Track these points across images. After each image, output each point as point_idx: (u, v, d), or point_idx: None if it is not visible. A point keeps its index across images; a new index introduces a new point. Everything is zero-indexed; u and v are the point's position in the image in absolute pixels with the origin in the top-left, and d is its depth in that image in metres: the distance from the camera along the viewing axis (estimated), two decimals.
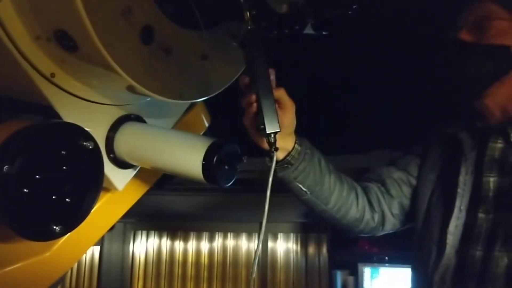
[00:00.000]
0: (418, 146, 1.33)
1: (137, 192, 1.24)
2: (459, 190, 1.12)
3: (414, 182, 1.27)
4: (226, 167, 1.03)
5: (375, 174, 1.32)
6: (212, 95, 1.16)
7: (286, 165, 1.13)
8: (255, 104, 0.99)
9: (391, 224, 1.29)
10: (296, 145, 1.13)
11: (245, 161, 1.05)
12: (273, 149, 0.99)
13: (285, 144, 1.12)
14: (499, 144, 1.11)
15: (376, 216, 1.27)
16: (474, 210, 1.09)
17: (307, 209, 1.24)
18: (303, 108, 1.20)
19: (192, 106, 1.29)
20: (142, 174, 1.19)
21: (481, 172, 1.11)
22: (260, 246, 0.99)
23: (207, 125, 1.35)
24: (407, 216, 1.28)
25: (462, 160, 1.14)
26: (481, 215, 1.07)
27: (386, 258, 3.52)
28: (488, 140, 1.12)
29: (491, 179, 1.09)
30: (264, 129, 0.98)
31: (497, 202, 1.07)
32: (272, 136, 0.99)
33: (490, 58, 1.07)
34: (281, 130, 0.98)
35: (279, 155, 1.11)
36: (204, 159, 1.01)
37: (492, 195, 1.08)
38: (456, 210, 1.10)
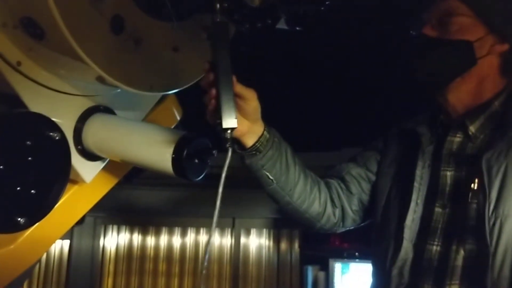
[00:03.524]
0: (378, 141, 1.34)
1: (106, 185, 1.22)
2: (415, 183, 1.13)
3: (373, 178, 1.29)
4: (196, 161, 1.03)
5: (336, 170, 1.34)
6: (183, 87, 1.15)
7: (254, 152, 1.13)
8: (213, 101, 0.98)
9: (351, 219, 1.30)
10: (265, 132, 1.13)
11: (215, 156, 1.04)
12: (228, 145, 0.98)
13: (254, 130, 1.11)
14: (458, 138, 1.13)
15: (337, 212, 1.28)
16: (431, 203, 1.11)
17: (273, 202, 1.24)
18: (276, 105, 1.20)
19: (163, 98, 1.27)
20: (111, 167, 1.17)
21: (438, 166, 1.13)
22: (211, 240, 0.99)
23: (178, 118, 1.34)
24: (367, 212, 1.30)
25: (419, 154, 1.16)
26: (437, 209, 1.09)
27: (356, 253, 3.56)
28: (447, 134, 1.14)
29: (448, 173, 1.11)
30: (220, 124, 0.96)
31: (453, 195, 1.09)
32: (229, 132, 0.97)
33: (452, 53, 1.09)
34: (237, 127, 0.97)
35: (249, 141, 1.11)
36: (173, 153, 1.00)
37: (449, 189, 1.10)
38: (412, 204, 1.12)
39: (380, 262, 1.17)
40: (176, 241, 4.50)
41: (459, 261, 1.02)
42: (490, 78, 1.11)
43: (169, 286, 4.43)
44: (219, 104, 0.96)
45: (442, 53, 1.09)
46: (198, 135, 1.03)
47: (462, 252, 1.02)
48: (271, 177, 1.16)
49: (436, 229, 1.08)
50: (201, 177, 1.05)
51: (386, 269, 1.12)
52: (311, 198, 1.24)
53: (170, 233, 4.52)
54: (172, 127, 1.32)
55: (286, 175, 1.18)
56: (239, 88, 1.01)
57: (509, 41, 1.08)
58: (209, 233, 0.92)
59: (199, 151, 1.02)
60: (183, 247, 4.49)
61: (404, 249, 1.10)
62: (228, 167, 0.97)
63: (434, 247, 1.07)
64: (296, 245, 4.34)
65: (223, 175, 0.97)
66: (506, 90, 1.12)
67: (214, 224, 0.97)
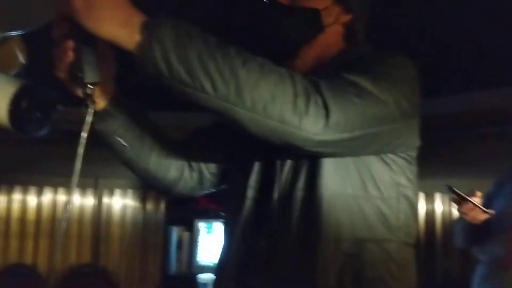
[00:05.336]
0: None
1: None
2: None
3: (229, 140, 1.28)
4: (38, 114, 0.93)
5: (194, 133, 1.31)
6: (30, 29, 1.03)
7: (105, 117, 1.05)
8: (71, 53, 0.89)
9: (209, 182, 1.28)
10: (117, 95, 1.06)
11: (60, 110, 0.94)
12: (89, 101, 0.91)
13: (106, 92, 1.03)
14: None
15: (195, 175, 1.25)
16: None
17: (128, 169, 1.18)
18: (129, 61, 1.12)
19: (4, 40, 1.11)
20: None
21: None
22: (72, 202, 0.91)
23: (23, 61, 1.18)
24: (225, 174, 1.29)
25: None
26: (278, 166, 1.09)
27: (222, 213, 3.63)
28: None
29: None
30: (82, 78, 0.88)
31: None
32: (91, 87, 0.90)
33: (302, 21, 1.12)
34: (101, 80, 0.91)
35: (99, 104, 1.02)
36: (11, 104, 0.89)
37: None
38: (256, 163, 1.12)
39: (229, 223, 1.17)
40: (32, 200, 4.24)
41: (296, 212, 1.03)
42: (333, 46, 1.15)
43: (23, 248, 4.19)
44: (80, 56, 0.88)
45: (293, 21, 1.12)
46: (41, 85, 0.92)
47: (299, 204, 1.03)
48: (124, 144, 1.09)
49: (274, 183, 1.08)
50: (43, 132, 0.94)
51: (233, 228, 1.12)
52: (168, 163, 1.18)
53: (25, 192, 4.24)
54: (14, 72, 1.16)
55: (141, 140, 1.12)
56: (101, 42, 0.92)
57: (352, 11, 1.14)
58: (69, 194, 0.86)
59: (41, 103, 0.92)
60: (39, 207, 4.25)
61: (246, 208, 1.10)
62: (88, 125, 0.89)
63: (272, 204, 1.07)
64: (162, 206, 4.32)
65: (83, 134, 0.89)
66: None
67: (73, 188, 0.90)
